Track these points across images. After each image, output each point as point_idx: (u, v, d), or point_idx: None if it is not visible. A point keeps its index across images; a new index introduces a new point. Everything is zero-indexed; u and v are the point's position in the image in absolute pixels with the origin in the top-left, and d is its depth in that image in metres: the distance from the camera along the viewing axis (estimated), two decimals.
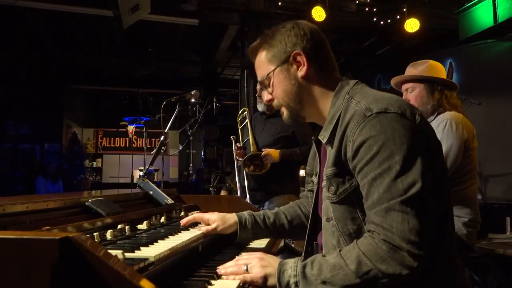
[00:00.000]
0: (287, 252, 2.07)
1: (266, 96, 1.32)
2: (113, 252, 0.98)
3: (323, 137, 1.21)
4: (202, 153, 11.02)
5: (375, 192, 1.03)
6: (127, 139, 12.30)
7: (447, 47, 6.43)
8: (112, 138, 12.48)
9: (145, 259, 0.96)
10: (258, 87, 3.40)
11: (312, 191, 1.45)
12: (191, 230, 1.48)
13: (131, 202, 1.62)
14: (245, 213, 1.51)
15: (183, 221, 1.48)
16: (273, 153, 3.05)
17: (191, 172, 12.67)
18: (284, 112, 1.30)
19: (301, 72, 1.24)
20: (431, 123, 2.30)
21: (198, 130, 9.43)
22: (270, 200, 3.19)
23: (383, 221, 0.99)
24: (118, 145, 12.52)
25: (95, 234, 1.08)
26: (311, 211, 1.42)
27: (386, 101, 1.09)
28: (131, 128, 10.76)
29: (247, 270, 1.09)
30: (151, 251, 1.05)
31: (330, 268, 1.00)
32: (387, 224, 0.98)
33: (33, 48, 8.52)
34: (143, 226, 1.38)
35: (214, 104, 7.54)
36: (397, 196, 0.99)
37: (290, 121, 1.31)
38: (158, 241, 1.20)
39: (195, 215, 1.51)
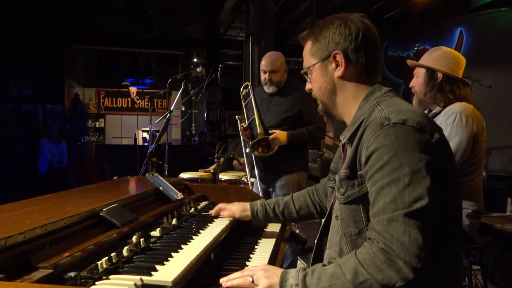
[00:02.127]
0: (293, 241, 2.15)
1: (307, 85, 1.38)
2: (132, 277, 1.02)
3: (344, 137, 1.27)
4: (205, 115, 10.99)
5: (381, 201, 1.05)
6: (129, 99, 12.24)
7: (458, 15, 6.23)
8: (114, 98, 12.42)
9: (163, 287, 1.00)
10: (266, 68, 3.22)
11: (333, 188, 1.49)
12: (202, 233, 1.52)
13: (143, 201, 1.65)
14: (258, 204, 1.73)
15: (212, 212, 1.75)
16: (281, 136, 3.05)
17: (193, 132, 12.71)
18: (320, 104, 1.37)
19: (338, 72, 1.26)
20: (439, 114, 2.30)
21: (200, 91, 9.34)
22: (279, 179, 3.24)
23: (384, 230, 1.02)
24: (120, 105, 12.48)
25: (112, 255, 1.11)
26: (328, 208, 1.47)
27: (407, 113, 1.10)
28: (133, 89, 10.69)
29: (252, 281, 1.13)
30: (167, 272, 1.08)
31: (328, 278, 1.04)
32: (388, 234, 1.01)
33: (33, 8, 8.28)
34: (156, 233, 1.41)
35: (218, 73, 7.43)
36: (402, 208, 1.01)
37: (323, 114, 1.40)
38: (173, 254, 1.23)
39: (220, 205, 1.76)
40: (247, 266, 1.37)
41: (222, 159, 4.74)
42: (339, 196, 1.23)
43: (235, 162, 5.10)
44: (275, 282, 1.11)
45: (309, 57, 1.32)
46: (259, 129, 3.18)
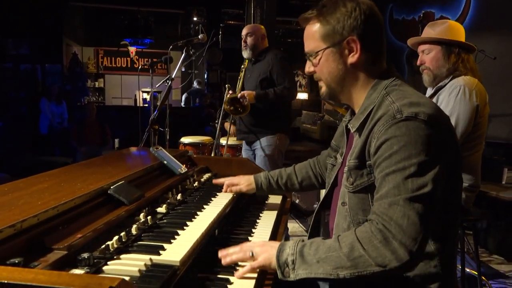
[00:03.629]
0: (294, 210, 2.22)
1: (308, 67, 1.33)
2: (142, 257, 1.08)
3: (353, 126, 1.28)
4: (205, 77, 10.88)
5: (385, 187, 1.09)
6: (128, 59, 12.08)
7: None
8: (113, 58, 12.24)
9: (171, 266, 1.05)
10: (244, 32, 3.52)
11: (333, 165, 1.52)
12: (207, 208, 1.57)
13: (148, 176, 1.69)
14: (262, 176, 1.78)
15: (216, 181, 1.82)
16: (248, 94, 3.28)
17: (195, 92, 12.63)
18: (323, 87, 1.34)
19: (352, 58, 1.24)
20: (445, 87, 2.30)
21: (201, 54, 9.21)
22: (259, 140, 3.43)
23: (384, 212, 1.05)
24: (120, 65, 12.32)
25: (122, 234, 1.16)
26: (329, 185, 1.49)
27: (419, 107, 1.11)
28: (132, 48, 10.53)
29: (252, 255, 1.18)
30: (175, 251, 1.13)
31: (326, 249, 1.09)
32: (387, 216, 1.04)
33: None
34: (162, 209, 1.46)
35: (219, 36, 7.28)
36: (404, 193, 1.04)
37: (326, 97, 1.35)
38: (179, 232, 1.29)
39: (227, 181, 1.80)
40: (249, 241, 1.43)
41: (234, 128, 4.78)
42: (348, 185, 1.25)
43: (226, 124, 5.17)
44: (273, 253, 1.16)
45: (318, 40, 1.26)
46: (237, 92, 3.43)
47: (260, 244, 1.21)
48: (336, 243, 1.08)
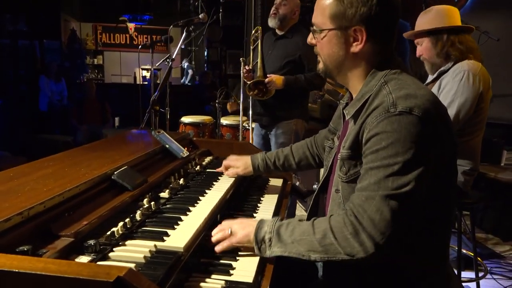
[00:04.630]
0: (294, 193, 2.25)
1: (310, 38, 1.31)
2: (146, 243, 1.10)
3: (348, 112, 1.27)
4: (205, 55, 10.77)
5: (367, 180, 1.10)
6: (127, 35, 11.92)
7: None
8: (112, 34, 12.07)
9: (175, 252, 1.08)
10: (274, 5, 3.28)
11: (330, 148, 1.53)
12: (209, 193, 1.59)
13: (150, 160, 1.71)
14: (259, 158, 1.80)
15: (218, 169, 1.85)
16: (277, 79, 3.08)
17: (193, 69, 12.53)
18: (320, 63, 1.32)
19: (355, 48, 1.21)
20: (448, 72, 2.30)
21: (201, 33, 9.09)
22: (277, 126, 3.31)
23: (360, 204, 1.09)
24: (119, 41, 12.17)
25: (126, 220, 1.18)
26: (327, 168, 1.50)
27: (415, 100, 1.09)
28: (131, 25, 10.39)
29: (231, 233, 1.23)
30: (178, 237, 1.16)
31: (300, 233, 1.14)
32: (361, 208, 1.08)
33: None
34: (165, 194, 1.48)
35: (219, 14, 7.17)
36: (382, 190, 1.06)
37: (322, 74, 1.34)
38: (182, 217, 1.31)
39: (224, 164, 1.84)
40: None
41: (230, 104, 4.72)
42: (341, 175, 1.26)
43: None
44: (251, 230, 1.21)
45: (326, 17, 1.21)
46: (259, 72, 3.21)
47: (239, 222, 1.26)
48: (310, 228, 1.13)
